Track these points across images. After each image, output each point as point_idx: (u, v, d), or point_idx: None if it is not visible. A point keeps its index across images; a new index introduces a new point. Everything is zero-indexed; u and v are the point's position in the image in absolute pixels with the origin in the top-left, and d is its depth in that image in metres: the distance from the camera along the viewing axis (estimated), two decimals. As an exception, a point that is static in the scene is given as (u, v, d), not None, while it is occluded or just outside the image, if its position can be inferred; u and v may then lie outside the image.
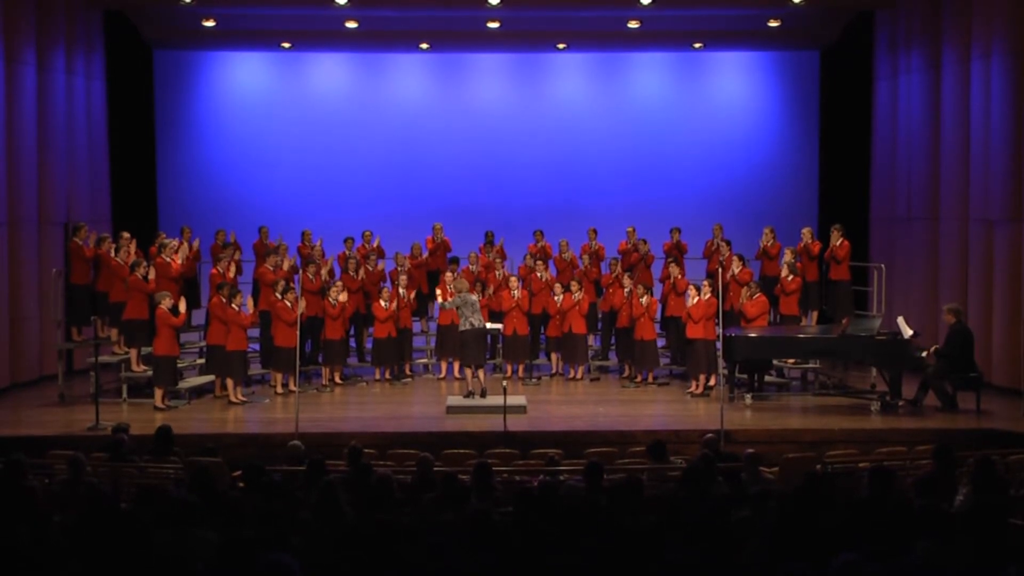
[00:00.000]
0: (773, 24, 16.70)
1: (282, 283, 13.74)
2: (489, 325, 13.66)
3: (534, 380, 14.88)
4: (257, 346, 14.62)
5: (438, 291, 14.61)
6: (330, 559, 5.52)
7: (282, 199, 17.82)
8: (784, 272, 14.33)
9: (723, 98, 18.47)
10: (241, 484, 8.14)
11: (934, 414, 12.54)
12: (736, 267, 14.53)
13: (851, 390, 13.88)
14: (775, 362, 14.40)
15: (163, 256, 13.84)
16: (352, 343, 15.31)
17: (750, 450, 9.14)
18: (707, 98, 18.49)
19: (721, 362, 13.13)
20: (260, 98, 18.31)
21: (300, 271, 14.57)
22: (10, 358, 14.20)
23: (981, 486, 7.07)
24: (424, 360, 15.92)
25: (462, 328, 13.46)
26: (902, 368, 12.86)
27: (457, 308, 13.45)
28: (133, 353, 13.59)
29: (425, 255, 15.76)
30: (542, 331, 15.37)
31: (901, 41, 16.18)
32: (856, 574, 4.67)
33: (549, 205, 17.83)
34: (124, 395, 13.47)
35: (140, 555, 5.20)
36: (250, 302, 13.98)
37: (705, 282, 13.90)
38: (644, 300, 14.13)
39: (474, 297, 13.54)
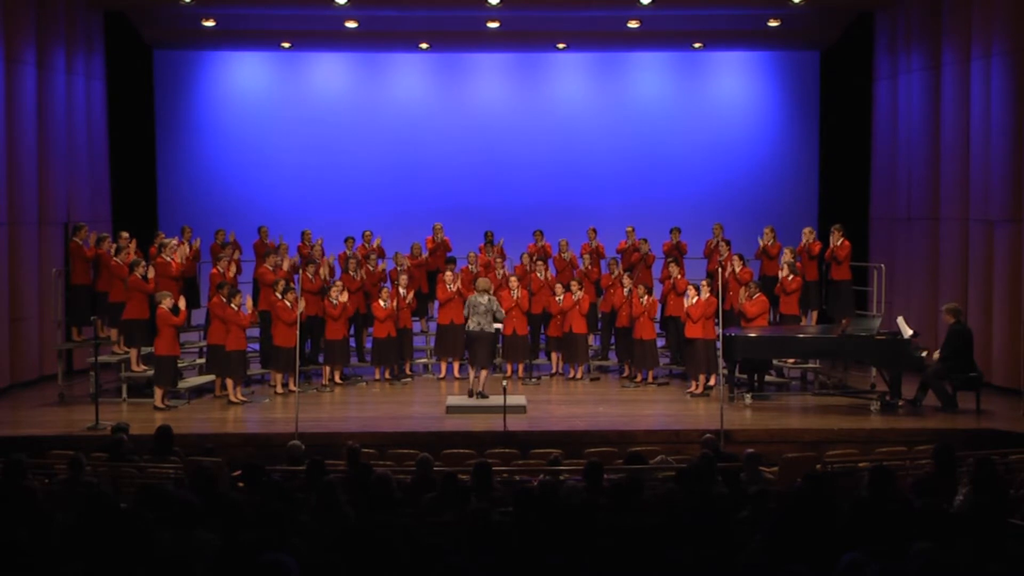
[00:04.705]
0: (773, 24, 16.70)
1: (282, 283, 13.74)
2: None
3: (534, 380, 14.88)
4: (257, 346, 14.63)
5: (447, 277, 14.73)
6: (330, 559, 5.51)
7: (282, 199, 17.82)
8: (784, 272, 14.32)
9: (723, 98, 18.46)
10: (241, 484, 8.14)
11: (934, 414, 12.54)
12: (736, 267, 14.53)
13: (851, 390, 13.86)
14: (775, 362, 14.41)
15: (163, 256, 13.86)
16: (352, 343, 15.32)
17: (750, 450, 9.15)
18: (707, 98, 18.48)
19: (721, 362, 13.13)
20: (260, 98, 18.30)
21: (300, 271, 14.58)
22: (10, 358, 14.20)
23: (981, 486, 7.07)
24: (424, 360, 15.92)
25: (467, 328, 13.51)
26: (902, 368, 12.86)
27: (470, 308, 13.47)
28: (133, 353, 13.59)
29: (425, 255, 15.75)
30: (542, 331, 15.38)
31: (901, 41, 16.18)
32: (860, 574, 4.67)
33: (549, 205, 17.82)
34: (124, 395, 13.48)
35: (140, 555, 5.20)
36: (249, 302, 13.98)
37: (704, 282, 13.89)
38: (644, 300, 14.13)
39: (484, 300, 13.39)
